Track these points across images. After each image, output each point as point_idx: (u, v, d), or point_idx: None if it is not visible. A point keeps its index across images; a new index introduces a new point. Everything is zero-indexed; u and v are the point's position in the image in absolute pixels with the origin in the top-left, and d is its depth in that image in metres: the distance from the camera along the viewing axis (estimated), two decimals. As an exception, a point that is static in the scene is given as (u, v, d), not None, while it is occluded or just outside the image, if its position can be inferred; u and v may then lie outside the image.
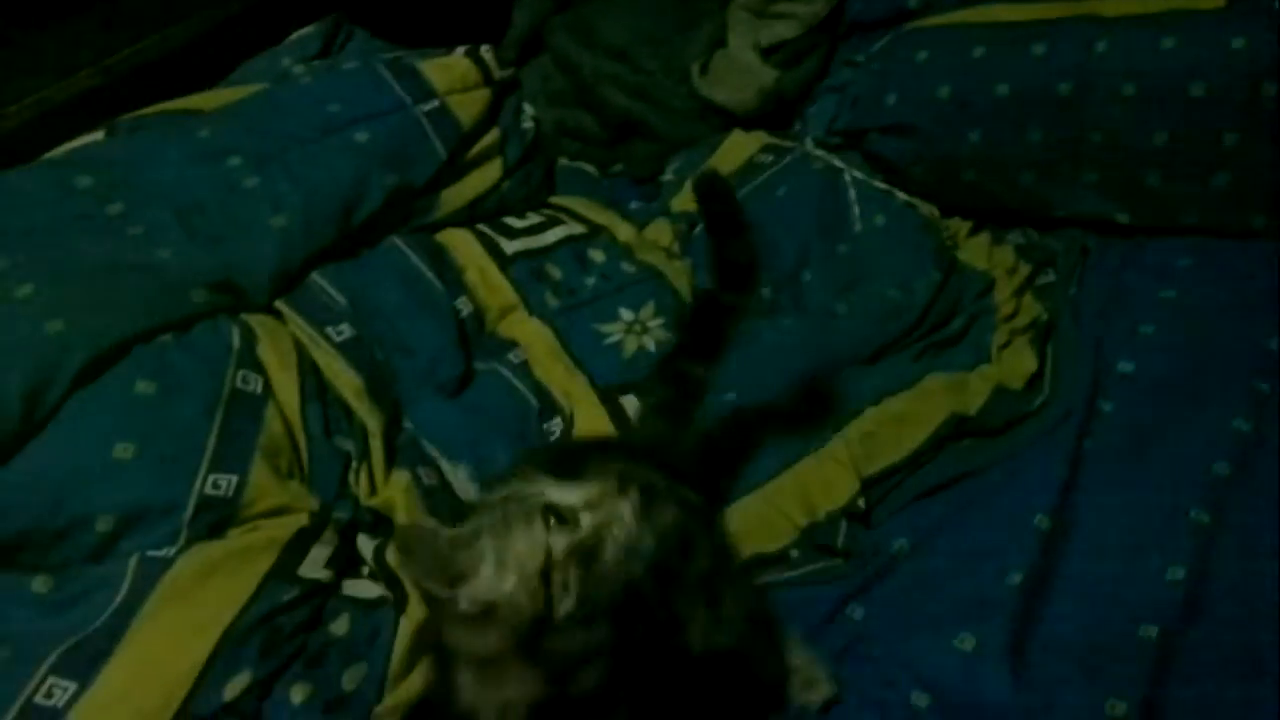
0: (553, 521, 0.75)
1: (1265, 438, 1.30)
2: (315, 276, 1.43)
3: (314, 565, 1.16)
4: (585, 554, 0.74)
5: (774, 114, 2.04)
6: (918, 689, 1.13)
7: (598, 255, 1.62)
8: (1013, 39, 1.71)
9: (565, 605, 0.74)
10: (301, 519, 1.17)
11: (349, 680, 1.09)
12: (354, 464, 1.28)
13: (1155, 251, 1.63)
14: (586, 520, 0.75)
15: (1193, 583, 1.16)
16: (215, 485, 1.16)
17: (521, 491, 0.77)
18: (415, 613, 1.11)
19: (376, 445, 1.30)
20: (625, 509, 0.77)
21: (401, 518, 1.20)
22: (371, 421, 1.31)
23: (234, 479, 1.17)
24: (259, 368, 1.28)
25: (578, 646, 0.76)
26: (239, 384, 1.24)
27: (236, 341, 1.28)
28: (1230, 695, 1.07)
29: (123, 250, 1.31)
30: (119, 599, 1.08)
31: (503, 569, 0.74)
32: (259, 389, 1.26)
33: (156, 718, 1.01)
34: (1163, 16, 1.61)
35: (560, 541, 0.74)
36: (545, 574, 0.74)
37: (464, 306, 1.49)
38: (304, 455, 1.26)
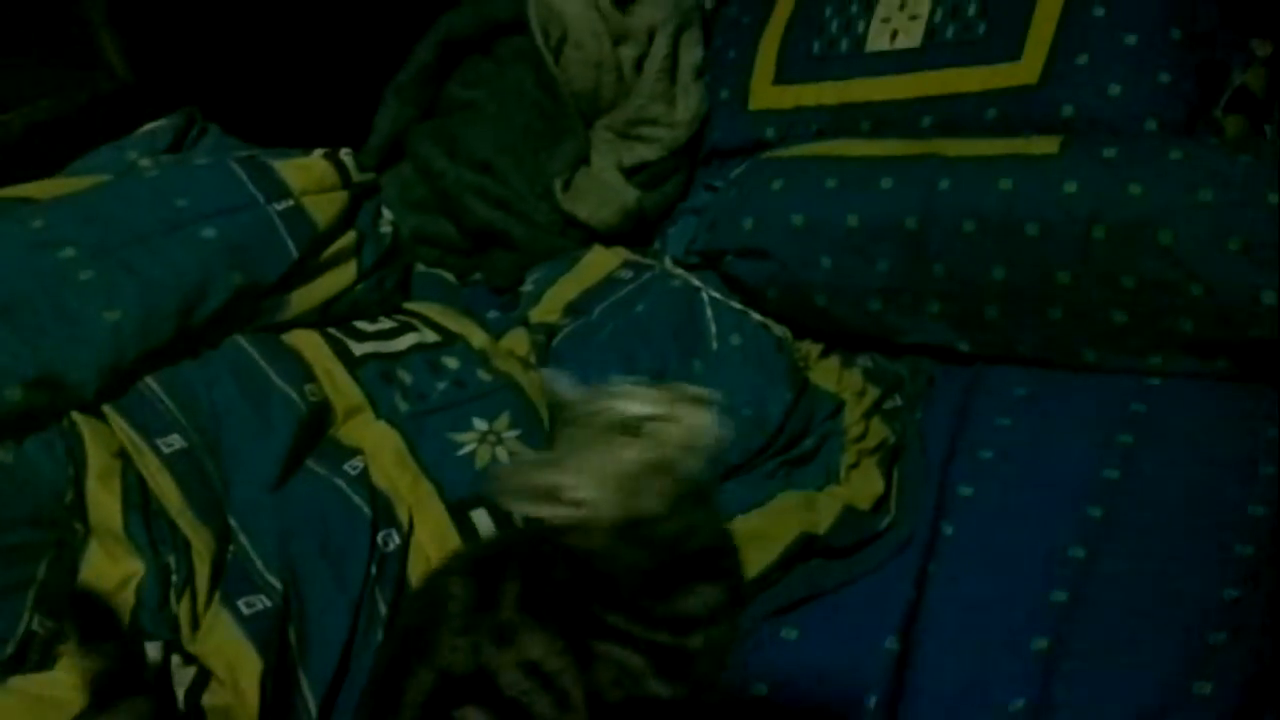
0: (634, 434, 0.81)
1: (1099, 563, 1.34)
2: (148, 381, 1.37)
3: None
4: (666, 463, 0.81)
5: (634, 232, 2.08)
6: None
7: (451, 362, 1.58)
8: (863, 173, 1.78)
9: (653, 508, 0.81)
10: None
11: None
12: (174, 579, 1.20)
13: (994, 380, 1.69)
14: (664, 430, 0.81)
15: (1032, 712, 1.17)
16: (41, 625, 1.11)
17: (601, 406, 0.83)
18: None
19: (202, 569, 1.22)
20: (702, 414, 0.83)
21: (221, 671, 1.12)
22: (197, 541, 1.23)
23: (56, 620, 1.12)
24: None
25: (674, 528, 0.83)
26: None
27: (70, 467, 1.24)
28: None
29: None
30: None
31: (590, 484, 0.80)
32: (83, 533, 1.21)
33: None
34: (1001, 160, 1.70)
35: (641, 455, 0.80)
36: (631, 484, 0.80)
37: (307, 406, 1.43)
38: (128, 568, 1.18)
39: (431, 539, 1.32)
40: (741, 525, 1.39)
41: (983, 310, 1.69)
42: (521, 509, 0.83)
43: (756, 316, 1.80)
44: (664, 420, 0.81)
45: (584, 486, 0.80)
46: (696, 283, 1.84)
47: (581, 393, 0.88)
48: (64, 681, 1.07)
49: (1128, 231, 1.58)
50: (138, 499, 1.25)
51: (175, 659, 1.13)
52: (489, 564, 0.95)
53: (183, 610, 1.18)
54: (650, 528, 0.82)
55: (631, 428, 0.81)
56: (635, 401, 0.83)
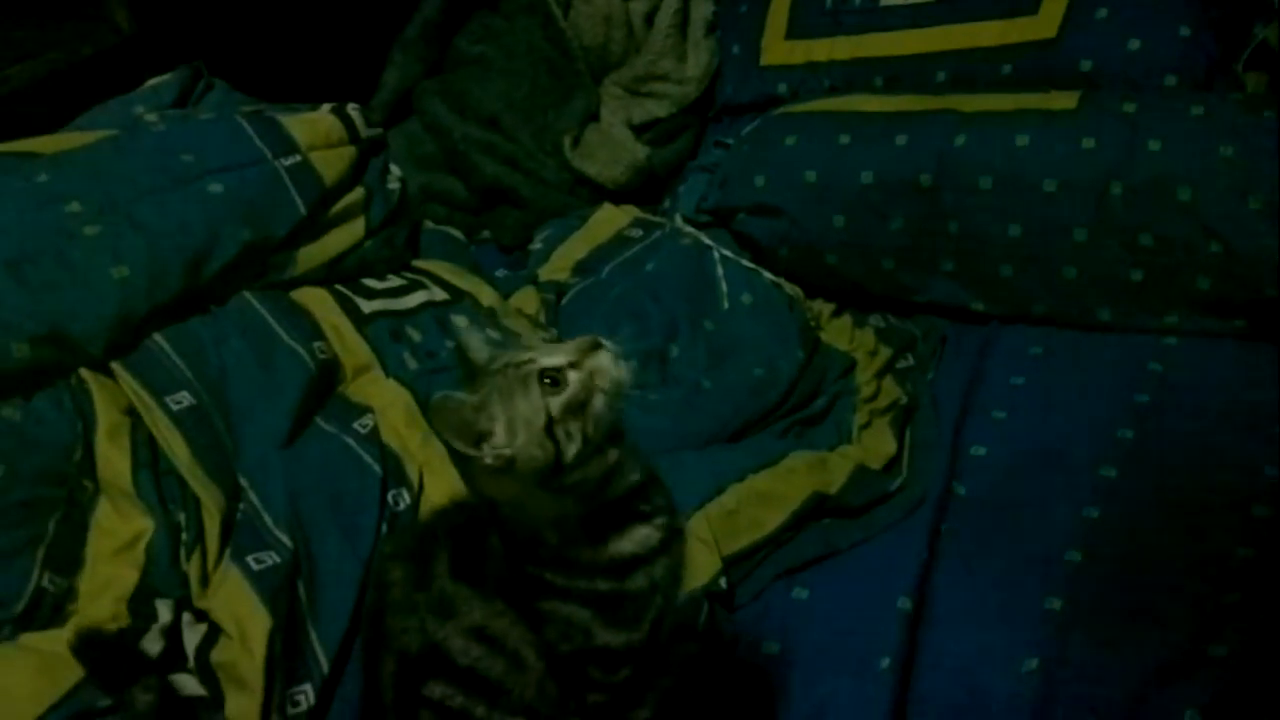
0: (546, 383, 0.85)
1: (1113, 524, 1.33)
2: (157, 338, 1.35)
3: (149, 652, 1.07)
4: (578, 406, 0.85)
5: (644, 190, 2.06)
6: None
7: (460, 321, 1.57)
8: (877, 129, 1.76)
9: (571, 450, 0.85)
10: (122, 604, 1.10)
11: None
12: (184, 537, 1.19)
13: (1008, 339, 1.68)
14: (573, 377, 0.86)
15: (1046, 672, 1.17)
16: (51, 582, 1.11)
17: (515, 359, 0.87)
18: (233, 710, 1.04)
19: (212, 527, 1.21)
20: (604, 358, 0.87)
21: (230, 627, 1.12)
22: (206, 498, 1.23)
23: (65, 576, 1.12)
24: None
25: (595, 472, 0.87)
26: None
27: (79, 423, 1.23)
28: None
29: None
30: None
31: (513, 429, 0.85)
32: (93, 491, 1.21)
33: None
34: (1018, 115, 1.68)
35: (556, 401, 0.85)
36: (549, 429, 0.84)
37: (315, 364, 1.42)
38: (138, 526, 1.17)
39: (442, 499, 1.31)
40: (753, 484, 1.38)
41: (997, 269, 1.68)
42: (452, 443, 0.86)
43: (768, 275, 1.79)
44: (574, 368, 0.86)
45: (508, 433, 0.85)
46: (707, 241, 1.82)
47: (492, 350, 0.91)
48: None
49: (1146, 188, 1.57)
50: (147, 457, 1.25)
51: (186, 616, 1.12)
52: (423, 542, 0.98)
53: (193, 567, 1.18)
54: (573, 473, 0.86)
55: (548, 376, 0.85)
56: (547, 353, 0.88)
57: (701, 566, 1.28)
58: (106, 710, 1.01)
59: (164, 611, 1.11)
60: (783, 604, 1.29)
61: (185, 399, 1.30)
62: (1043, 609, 1.23)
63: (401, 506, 1.30)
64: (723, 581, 1.28)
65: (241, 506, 1.25)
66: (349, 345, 1.47)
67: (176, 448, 1.25)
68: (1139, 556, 1.29)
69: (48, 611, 1.09)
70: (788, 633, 1.25)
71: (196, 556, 1.19)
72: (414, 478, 1.34)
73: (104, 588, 1.11)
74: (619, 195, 2.01)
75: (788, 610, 1.29)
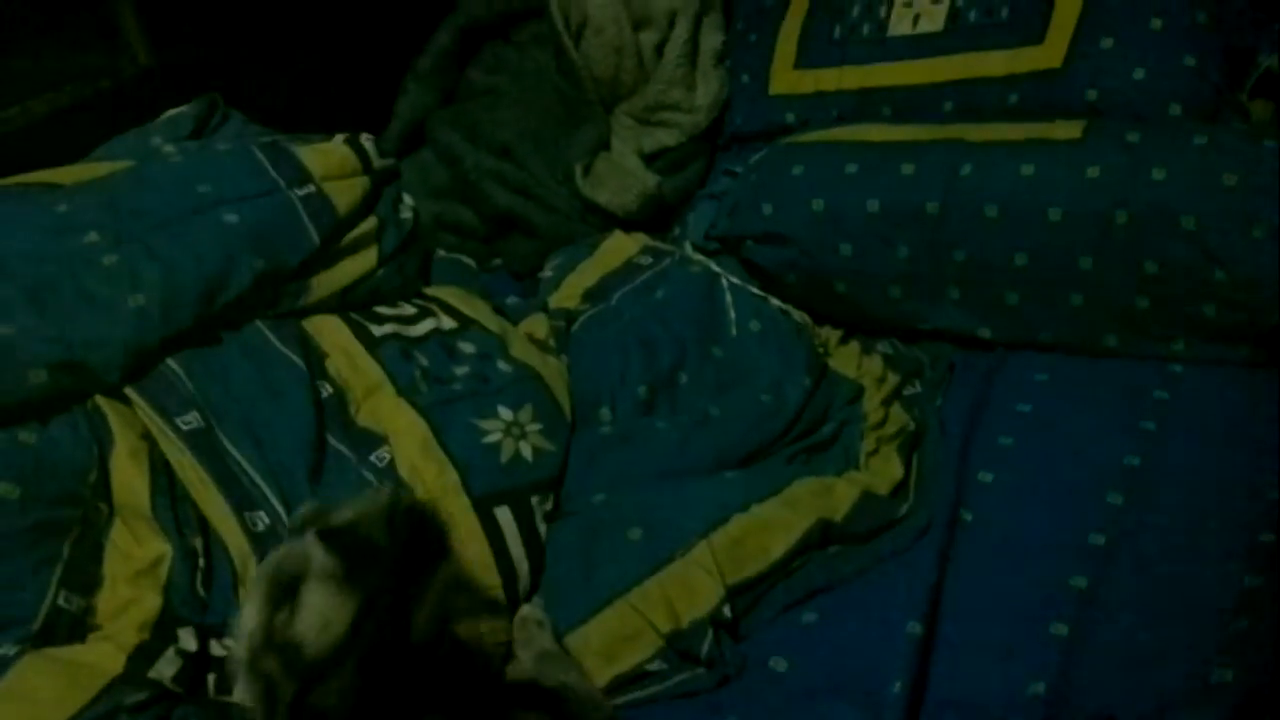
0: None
1: (1119, 550, 1.34)
2: (170, 363, 1.37)
3: (163, 676, 1.09)
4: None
5: (654, 218, 2.08)
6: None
7: (468, 348, 1.58)
8: (884, 158, 1.77)
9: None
10: (147, 628, 1.12)
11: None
12: (200, 563, 1.21)
13: (1015, 366, 1.69)
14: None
15: (1053, 695, 1.18)
16: (68, 600, 1.13)
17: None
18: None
19: (233, 551, 1.23)
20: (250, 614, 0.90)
21: None
22: (222, 525, 1.24)
23: (83, 596, 1.14)
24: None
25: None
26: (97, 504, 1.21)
27: (94, 447, 1.25)
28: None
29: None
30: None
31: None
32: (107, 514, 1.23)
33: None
34: (1024, 144, 1.69)
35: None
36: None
37: (325, 390, 1.43)
38: (156, 549, 1.19)
39: (458, 537, 1.31)
40: (758, 513, 1.39)
41: (1004, 296, 1.68)
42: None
43: (776, 302, 1.80)
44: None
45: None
46: (716, 268, 1.83)
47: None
48: (98, 649, 1.09)
49: (1151, 217, 1.57)
50: (164, 482, 1.26)
51: (213, 643, 1.14)
52: None
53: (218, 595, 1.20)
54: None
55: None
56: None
57: (704, 595, 1.29)
58: (133, 706, 1.03)
59: (187, 640, 1.13)
60: (791, 627, 1.30)
61: (195, 420, 1.32)
62: (1049, 634, 1.24)
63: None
64: (726, 610, 1.29)
65: (264, 532, 1.27)
66: (360, 367, 1.48)
67: (188, 469, 1.27)
68: (1145, 582, 1.29)
69: (65, 630, 1.11)
70: (795, 654, 1.26)
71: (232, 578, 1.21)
72: (430, 514, 1.35)
73: (125, 608, 1.13)
74: (629, 223, 2.03)
75: (795, 633, 1.29)
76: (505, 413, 1.46)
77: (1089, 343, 1.66)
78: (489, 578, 1.29)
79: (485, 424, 1.43)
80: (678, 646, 1.25)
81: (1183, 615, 1.24)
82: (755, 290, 1.81)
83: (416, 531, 1.02)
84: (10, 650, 1.06)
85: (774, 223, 1.81)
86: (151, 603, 1.13)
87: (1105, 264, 1.60)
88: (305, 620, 0.90)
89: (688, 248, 1.93)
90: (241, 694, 0.87)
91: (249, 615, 0.93)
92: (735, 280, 1.81)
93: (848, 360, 1.74)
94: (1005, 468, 1.49)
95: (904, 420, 1.62)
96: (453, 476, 1.35)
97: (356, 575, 0.94)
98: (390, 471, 1.36)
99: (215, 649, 1.14)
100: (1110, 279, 1.60)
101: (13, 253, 1.33)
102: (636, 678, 1.24)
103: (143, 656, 1.09)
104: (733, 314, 1.75)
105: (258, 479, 1.30)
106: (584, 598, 1.29)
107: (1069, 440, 1.52)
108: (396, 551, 0.97)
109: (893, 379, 1.71)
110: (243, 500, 1.28)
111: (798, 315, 1.79)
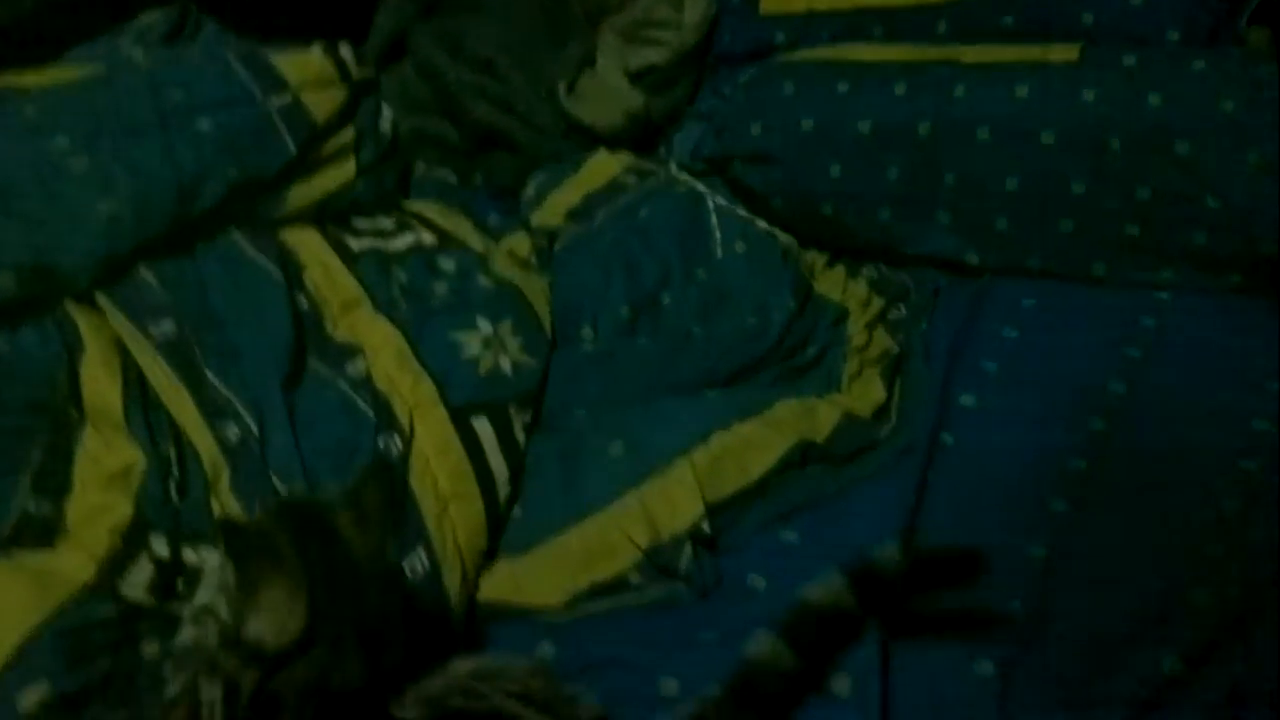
0: None
1: (1099, 475, 1.34)
2: (142, 271, 1.35)
3: (135, 585, 1.09)
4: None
5: (639, 137, 2.04)
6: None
7: (449, 264, 1.56)
8: (875, 78, 1.74)
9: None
10: (117, 535, 1.10)
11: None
12: (174, 471, 1.19)
13: (1002, 292, 1.67)
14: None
15: (1029, 617, 1.18)
16: (37, 505, 1.12)
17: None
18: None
19: (206, 459, 1.21)
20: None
21: None
22: (195, 434, 1.22)
23: (52, 501, 1.13)
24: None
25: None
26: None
27: (64, 354, 1.23)
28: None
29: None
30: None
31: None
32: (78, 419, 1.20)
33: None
34: (1018, 66, 1.66)
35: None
36: None
37: (302, 303, 1.41)
38: (127, 457, 1.18)
39: (434, 446, 1.30)
40: (740, 431, 1.39)
41: (993, 221, 1.66)
42: None
43: (762, 224, 1.77)
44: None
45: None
46: (702, 189, 1.80)
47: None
48: (68, 557, 1.08)
49: (1145, 142, 1.55)
50: (137, 391, 1.25)
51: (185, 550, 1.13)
52: None
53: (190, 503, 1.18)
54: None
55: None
56: None
57: (683, 509, 1.29)
58: (102, 622, 1.02)
59: (159, 548, 1.12)
60: (769, 545, 1.30)
61: (169, 329, 1.30)
62: (1027, 556, 1.24)
63: (394, 453, 1.29)
64: (705, 526, 1.29)
65: (236, 443, 1.25)
66: (337, 282, 1.46)
67: (160, 377, 1.25)
68: (1124, 507, 1.29)
69: (34, 536, 1.10)
70: (773, 572, 1.26)
71: (202, 488, 1.19)
72: (405, 423, 1.33)
73: (95, 516, 1.12)
74: (614, 142, 1.99)
75: (774, 552, 1.29)
76: (484, 326, 1.45)
77: (1077, 269, 1.65)
78: (466, 485, 1.28)
79: (463, 336, 1.42)
80: (656, 560, 1.25)
81: (1161, 540, 1.25)
82: (742, 212, 1.78)
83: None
84: None
85: (762, 143, 1.78)
86: (123, 510, 1.12)
87: (1097, 189, 1.58)
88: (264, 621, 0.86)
89: (673, 168, 1.89)
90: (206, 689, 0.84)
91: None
92: (721, 201, 1.78)
93: (833, 284, 1.73)
94: (988, 392, 1.48)
95: (887, 344, 1.61)
96: (429, 386, 1.34)
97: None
98: (366, 383, 1.35)
99: (188, 555, 1.12)
100: (1102, 205, 1.59)
101: (-23, 156, 1.30)
102: (614, 588, 1.24)
103: (114, 565, 1.08)
104: (718, 235, 1.73)
105: (231, 388, 1.29)
106: (563, 508, 1.30)
107: (1053, 366, 1.51)
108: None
109: (877, 303, 1.69)
110: (215, 410, 1.26)
111: (784, 238, 1.77)
